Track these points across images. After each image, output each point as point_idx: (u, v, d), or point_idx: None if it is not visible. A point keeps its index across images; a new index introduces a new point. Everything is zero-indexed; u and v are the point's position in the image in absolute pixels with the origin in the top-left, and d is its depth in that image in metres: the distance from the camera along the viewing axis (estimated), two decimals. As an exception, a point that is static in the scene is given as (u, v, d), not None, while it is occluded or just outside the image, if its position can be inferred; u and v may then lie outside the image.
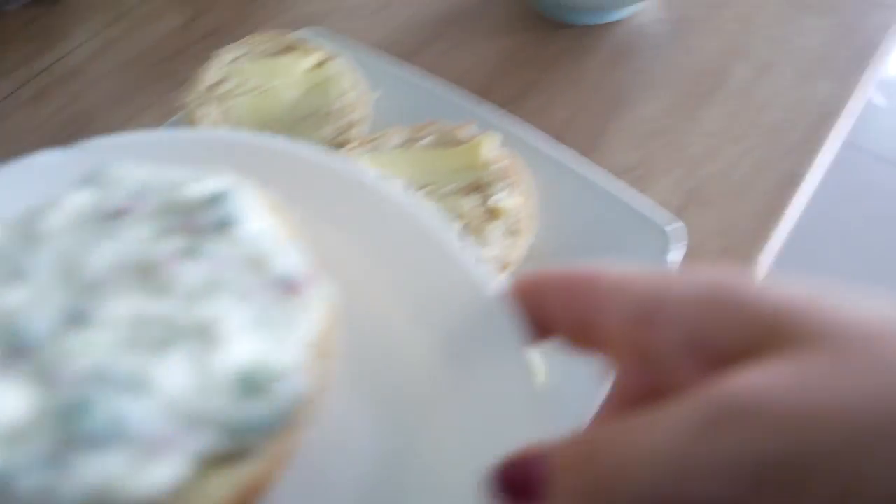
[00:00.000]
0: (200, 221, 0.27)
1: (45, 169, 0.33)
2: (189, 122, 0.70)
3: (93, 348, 0.23)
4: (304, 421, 0.25)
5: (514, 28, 0.85)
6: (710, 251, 0.67)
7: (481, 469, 0.23)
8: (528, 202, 0.63)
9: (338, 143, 0.68)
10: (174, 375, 0.23)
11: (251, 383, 0.23)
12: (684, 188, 0.71)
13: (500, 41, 0.84)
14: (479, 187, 0.65)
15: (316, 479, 0.28)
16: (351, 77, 0.72)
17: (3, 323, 0.24)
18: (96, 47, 0.90)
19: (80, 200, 0.29)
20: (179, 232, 0.27)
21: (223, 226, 0.27)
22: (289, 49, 0.74)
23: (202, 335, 0.24)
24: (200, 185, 0.28)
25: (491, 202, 0.63)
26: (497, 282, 0.30)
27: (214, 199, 0.28)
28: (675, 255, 0.61)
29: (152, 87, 0.84)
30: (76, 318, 0.24)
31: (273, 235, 0.28)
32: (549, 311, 0.28)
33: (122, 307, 0.24)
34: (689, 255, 0.67)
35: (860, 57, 0.80)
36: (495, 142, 0.66)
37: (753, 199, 0.70)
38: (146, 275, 0.26)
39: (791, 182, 0.71)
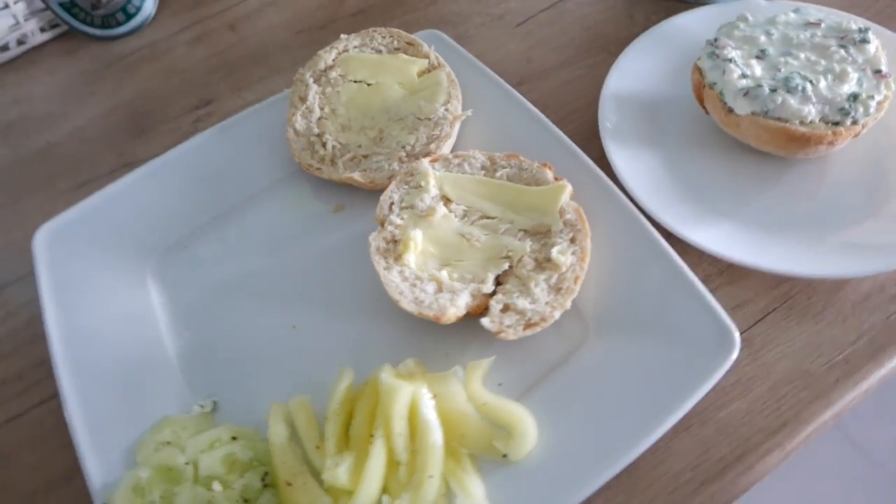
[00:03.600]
0: (850, 37, 0.67)
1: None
2: (297, 97, 0.73)
3: (791, 64, 0.66)
4: (867, 121, 0.64)
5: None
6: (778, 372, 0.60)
7: None
8: (582, 262, 0.59)
9: (424, 153, 0.68)
10: (822, 84, 0.64)
11: (854, 98, 0.63)
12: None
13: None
14: (542, 233, 0.62)
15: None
16: (450, 90, 0.71)
17: (755, 46, 0.68)
18: (255, 6, 0.95)
19: (792, 15, 0.71)
20: (838, 39, 0.68)
21: (861, 42, 0.67)
22: (403, 48, 0.75)
23: (837, 76, 0.65)
24: (852, 23, 0.69)
25: (551, 252, 0.60)
26: None
27: (860, 31, 0.68)
28: (727, 366, 0.55)
29: (288, 53, 0.89)
30: (784, 53, 0.68)
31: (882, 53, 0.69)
32: None
33: (806, 55, 0.67)
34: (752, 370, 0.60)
35: None
36: (568, 191, 0.62)
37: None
38: (819, 49, 0.67)
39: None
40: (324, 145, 0.71)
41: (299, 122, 0.72)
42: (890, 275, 0.63)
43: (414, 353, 0.60)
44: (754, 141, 0.66)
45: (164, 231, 0.72)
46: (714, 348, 0.56)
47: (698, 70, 0.69)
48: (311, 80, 0.74)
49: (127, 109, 0.88)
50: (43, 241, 0.69)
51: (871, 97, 0.64)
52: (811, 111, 0.63)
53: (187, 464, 0.56)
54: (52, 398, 0.67)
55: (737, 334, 0.55)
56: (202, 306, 0.68)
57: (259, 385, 0.62)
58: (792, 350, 0.61)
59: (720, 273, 0.65)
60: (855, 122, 0.63)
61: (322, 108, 0.73)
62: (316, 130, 0.71)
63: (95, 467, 0.57)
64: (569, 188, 0.63)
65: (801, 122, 0.63)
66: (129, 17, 0.93)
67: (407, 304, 0.59)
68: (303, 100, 0.73)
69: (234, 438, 0.58)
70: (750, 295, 0.64)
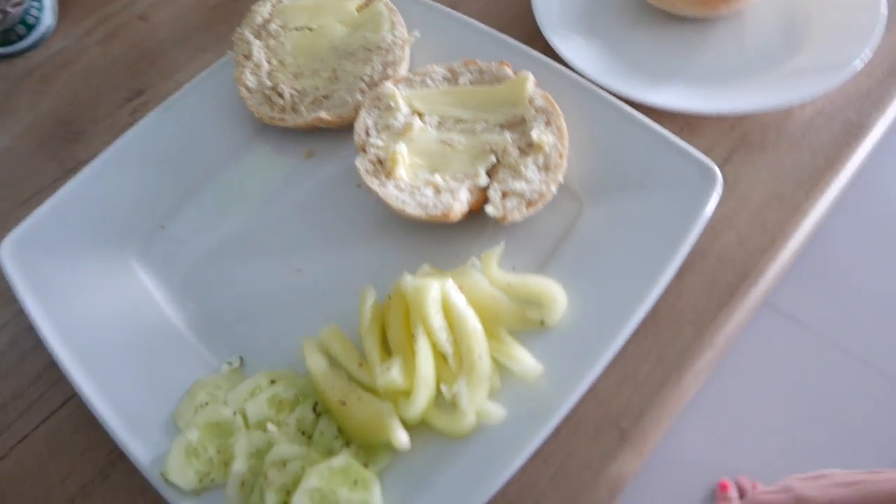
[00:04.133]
0: None
1: None
2: (241, 56, 0.73)
3: None
4: None
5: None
6: (755, 200, 0.65)
7: None
8: (562, 140, 0.63)
9: (383, 77, 0.69)
10: None
11: None
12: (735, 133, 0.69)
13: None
14: (517, 123, 0.65)
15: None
16: (392, 18, 0.72)
17: None
18: (162, -8, 0.93)
19: None
20: None
21: None
22: (336, -12, 0.76)
23: None
24: None
25: (531, 137, 0.62)
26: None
27: None
28: (715, 199, 0.59)
29: (209, 29, 0.88)
30: None
31: None
32: None
33: None
34: (733, 204, 0.65)
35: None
36: (531, 81, 0.65)
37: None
38: None
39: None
40: (280, 95, 0.70)
41: (249, 80, 0.71)
42: (824, 97, 0.70)
43: (424, 262, 0.62)
44: (682, 4, 0.72)
45: (137, 216, 0.69)
46: (699, 184, 0.60)
47: None
48: (251, 37, 0.73)
49: (52, 118, 0.84)
50: (9, 252, 0.66)
51: None
52: None
53: (235, 414, 0.56)
54: (62, 407, 0.64)
55: (716, 168, 0.60)
56: (198, 276, 0.66)
57: (279, 332, 0.62)
58: (761, 179, 0.66)
59: (680, 129, 0.69)
60: None
61: (269, 62, 0.72)
62: (269, 83, 0.71)
63: (140, 448, 0.56)
64: (531, 77, 0.65)
65: None
66: (30, 28, 0.89)
67: (413, 210, 0.60)
68: (247, 57, 0.72)
69: (272, 382, 0.58)
70: (711, 142, 0.69)
